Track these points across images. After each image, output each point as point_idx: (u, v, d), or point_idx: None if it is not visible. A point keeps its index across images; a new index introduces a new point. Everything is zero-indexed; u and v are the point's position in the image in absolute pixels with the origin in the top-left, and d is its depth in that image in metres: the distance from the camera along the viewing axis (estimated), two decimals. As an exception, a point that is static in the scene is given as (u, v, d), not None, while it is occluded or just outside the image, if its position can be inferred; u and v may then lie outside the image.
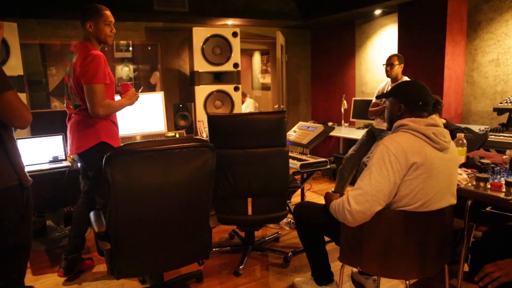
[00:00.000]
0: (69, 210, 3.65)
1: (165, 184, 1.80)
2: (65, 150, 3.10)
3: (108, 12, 2.42)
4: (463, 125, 3.40)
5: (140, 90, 2.67)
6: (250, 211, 2.55)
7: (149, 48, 5.35)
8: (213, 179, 1.94)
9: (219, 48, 4.42)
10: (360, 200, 1.67)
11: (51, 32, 4.39)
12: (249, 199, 2.54)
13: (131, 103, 2.54)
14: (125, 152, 1.72)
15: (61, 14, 4.15)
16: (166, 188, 1.81)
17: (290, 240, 3.17)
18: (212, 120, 2.46)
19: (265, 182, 2.50)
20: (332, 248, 2.42)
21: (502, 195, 1.90)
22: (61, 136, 3.09)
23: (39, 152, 3.01)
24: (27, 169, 2.78)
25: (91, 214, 2.04)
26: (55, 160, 3.06)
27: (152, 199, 1.80)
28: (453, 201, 1.82)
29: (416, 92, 1.82)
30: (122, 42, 5.13)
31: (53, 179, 2.88)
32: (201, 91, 4.42)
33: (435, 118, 1.79)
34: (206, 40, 4.34)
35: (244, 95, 6.27)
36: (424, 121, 1.74)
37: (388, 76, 3.67)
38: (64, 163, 2.99)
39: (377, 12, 4.62)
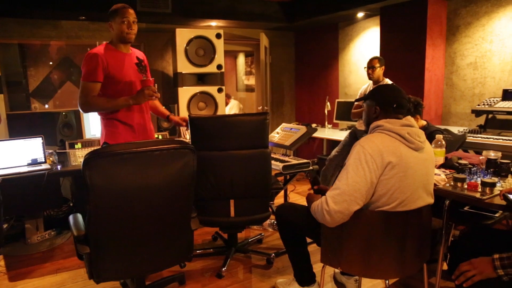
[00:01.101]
0: (49, 214, 3.59)
1: (145, 186, 1.78)
2: (44, 153, 3.04)
3: (124, 10, 2.42)
4: (442, 127, 3.47)
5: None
6: (232, 213, 2.55)
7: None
8: (194, 181, 1.93)
9: (202, 49, 4.41)
10: (338, 200, 1.69)
11: (31, 32, 4.30)
12: (232, 201, 2.53)
13: (136, 102, 2.44)
14: (104, 154, 1.69)
15: (41, 13, 4.07)
16: (146, 191, 1.79)
17: (273, 242, 3.17)
18: (194, 121, 2.45)
19: (247, 183, 2.50)
20: (314, 249, 2.44)
21: (478, 195, 1.94)
22: (40, 138, 3.03)
23: (18, 155, 2.95)
24: (4, 172, 2.75)
25: (70, 218, 2.01)
26: (34, 162, 3.00)
27: (131, 201, 1.78)
28: (431, 200, 1.85)
29: (390, 95, 1.88)
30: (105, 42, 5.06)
31: (32, 182, 2.82)
32: (185, 93, 4.39)
33: (409, 119, 1.83)
34: (190, 41, 4.32)
35: (228, 97, 6.26)
36: (399, 122, 1.78)
37: (370, 78, 3.72)
38: (44, 166, 2.94)
39: (360, 15, 4.68)
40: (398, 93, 1.89)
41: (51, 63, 5.31)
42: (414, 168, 1.72)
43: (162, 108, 2.89)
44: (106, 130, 2.53)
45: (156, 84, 2.50)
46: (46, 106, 5.28)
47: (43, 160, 3.04)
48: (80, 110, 2.46)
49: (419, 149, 1.76)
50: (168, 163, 1.80)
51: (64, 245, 3.23)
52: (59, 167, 2.96)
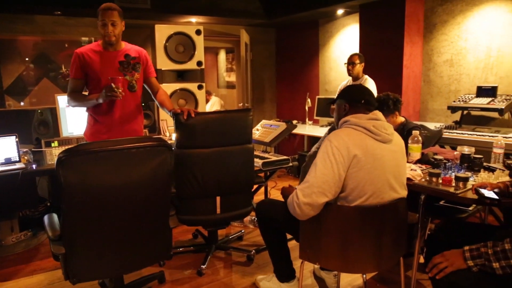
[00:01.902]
0: (25, 214, 3.50)
1: (121, 185, 1.76)
2: (18, 151, 2.96)
3: (102, 12, 2.43)
4: (419, 123, 3.53)
5: (119, 90, 2.45)
6: (218, 210, 2.55)
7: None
8: (172, 179, 1.92)
9: (182, 46, 4.36)
10: (307, 192, 1.74)
11: (4, 27, 4.17)
12: (218, 198, 2.54)
13: (102, 99, 2.46)
14: (78, 152, 1.66)
15: (14, 7, 3.96)
16: (122, 189, 1.77)
17: (254, 238, 3.18)
18: (179, 119, 2.38)
19: (233, 179, 2.52)
20: (294, 245, 2.45)
21: (452, 189, 1.99)
22: (14, 136, 2.94)
23: (-10, 154, 2.86)
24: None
25: (45, 218, 1.97)
26: (8, 162, 2.91)
27: (107, 200, 1.75)
28: (404, 192, 1.89)
29: (358, 93, 1.98)
30: (83, 38, 4.95)
31: (6, 182, 2.74)
32: (164, 90, 4.34)
33: (376, 113, 1.88)
34: (169, 37, 4.27)
35: (209, 94, 6.23)
36: (365, 116, 1.85)
37: (349, 74, 3.76)
38: (18, 165, 2.85)
39: (340, 12, 4.72)
40: (366, 91, 1.99)
41: (27, 59, 5.16)
42: (382, 159, 1.77)
43: (168, 103, 2.79)
44: (86, 125, 2.69)
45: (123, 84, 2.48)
46: (22, 103, 5.13)
47: (18, 159, 2.94)
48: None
49: (386, 141, 1.81)
50: (144, 161, 1.78)
51: (40, 246, 3.17)
52: (34, 166, 2.88)
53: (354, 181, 1.74)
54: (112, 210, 1.78)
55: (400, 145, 1.91)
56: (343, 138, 1.75)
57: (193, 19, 4.87)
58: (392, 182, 1.80)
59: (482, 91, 3.51)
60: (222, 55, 8.13)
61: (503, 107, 3.24)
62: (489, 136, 3.12)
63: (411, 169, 2.23)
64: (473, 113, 3.71)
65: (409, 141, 2.57)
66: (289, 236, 2.25)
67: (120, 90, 2.41)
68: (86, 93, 2.68)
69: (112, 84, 2.39)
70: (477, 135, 3.22)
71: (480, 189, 1.83)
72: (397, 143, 1.88)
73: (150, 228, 1.94)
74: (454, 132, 3.39)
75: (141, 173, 1.78)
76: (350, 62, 3.68)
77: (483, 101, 3.42)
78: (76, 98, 2.59)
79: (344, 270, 1.89)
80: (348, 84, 3.86)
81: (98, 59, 2.51)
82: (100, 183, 1.71)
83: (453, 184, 2.04)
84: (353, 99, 1.94)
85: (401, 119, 2.91)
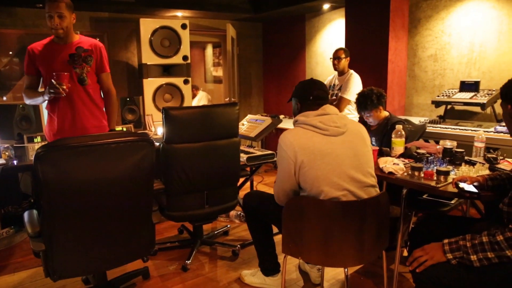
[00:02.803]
0: (7, 210, 3.44)
1: (101, 180, 1.73)
2: (-1, 147, 2.90)
3: (48, 3, 2.35)
4: (404, 117, 3.56)
5: (63, 87, 2.36)
6: (206, 204, 2.57)
7: (97, 39, 5.13)
8: (153, 174, 1.90)
9: (167, 40, 4.32)
10: (276, 191, 2.01)
11: (-17, 20, 4.08)
12: (205, 192, 2.55)
13: (47, 97, 2.43)
14: (57, 148, 1.63)
15: (-6, 0, 3.88)
16: (102, 185, 1.74)
17: (239, 233, 3.18)
18: (169, 113, 2.35)
19: (220, 173, 2.55)
20: (279, 240, 2.46)
21: (433, 183, 2.01)
22: (-5, 131, 2.89)
23: (-30, 150, 2.80)
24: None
25: (25, 214, 1.94)
26: (-12, 157, 2.86)
27: (87, 196, 1.73)
28: (371, 180, 1.90)
29: (306, 89, 2.01)
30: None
31: (-14, 178, 2.69)
32: (150, 84, 4.31)
33: (326, 108, 1.92)
34: (154, 31, 4.23)
35: (196, 88, 6.18)
36: (313, 113, 1.89)
37: (335, 69, 3.76)
38: (-2, 161, 2.81)
39: (326, 6, 4.72)
40: (314, 85, 2.01)
41: (10, 52, 5.04)
42: (334, 153, 1.81)
43: (110, 120, 2.75)
44: (47, 123, 2.68)
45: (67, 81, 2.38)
46: (4, 98, 5.02)
47: (-2, 155, 2.90)
48: None
49: (337, 134, 1.85)
50: (125, 156, 1.75)
51: (23, 243, 3.12)
52: (15, 162, 2.84)
53: (308, 180, 1.81)
54: (92, 205, 1.75)
55: (357, 134, 1.93)
56: (289, 139, 1.83)
57: (179, 13, 4.82)
58: (351, 173, 1.82)
59: (465, 86, 3.56)
60: (209, 50, 8.07)
61: (485, 102, 3.29)
62: (471, 130, 3.16)
63: (394, 163, 2.25)
64: (457, 107, 3.76)
65: (392, 136, 2.59)
66: (275, 230, 2.25)
67: (64, 87, 2.33)
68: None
69: (53, 81, 2.32)
70: (459, 129, 3.27)
71: (460, 183, 1.86)
72: (353, 133, 1.91)
73: (132, 223, 1.92)
74: (438, 127, 3.42)
75: (121, 168, 1.76)
76: (336, 57, 3.68)
77: (466, 96, 3.47)
78: (28, 95, 2.55)
79: (325, 264, 1.90)
80: (334, 79, 3.86)
81: (48, 53, 2.47)
82: (79, 179, 1.68)
83: (435, 178, 2.06)
84: (302, 97, 2.00)
85: (385, 113, 2.93)
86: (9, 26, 4.18)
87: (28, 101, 2.59)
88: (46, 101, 2.57)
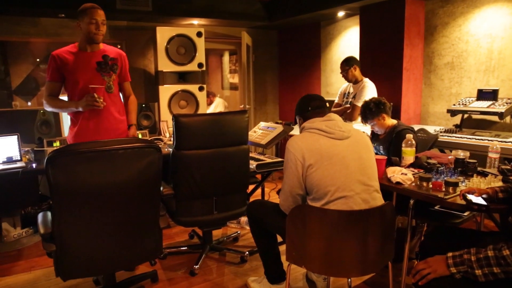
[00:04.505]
0: (27, 212, 3.57)
1: (109, 184, 1.79)
2: (20, 150, 3.02)
3: (93, 10, 2.44)
4: (419, 126, 3.51)
5: (101, 100, 2.51)
6: (215, 210, 2.60)
7: (119, 46, 5.28)
8: (160, 180, 1.94)
9: (183, 47, 4.41)
10: (283, 198, 2.02)
11: (8, 29, 4.26)
12: (214, 199, 2.58)
13: (82, 108, 2.49)
14: (67, 152, 1.70)
15: (19, 10, 4.04)
16: (110, 189, 1.80)
17: (249, 240, 3.19)
18: (179, 121, 2.40)
19: (229, 179, 2.59)
20: (285, 248, 2.46)
21: (441, 194, 1.97)
22: (16, 136, 3.01)
23: (-7, 153, 2.92)
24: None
25: (39, 216, 2.01)
26: (9, 160, 2.97)
27: (96, 199, 1.79)
28: (374, 183, 1.92)
29: (302, 103, 2.14)
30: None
31: (7, 180, 2.80)
32: (165, 91, 4.39)
33: (330, 115, 2.01)
34: (170, 39, 4.32)
35: (213, 95, 6.27)
36: (319, 119, 1.99)
37: (347, 81, 3.76)
38: (19, 164, 2.91)
39: (340, 14, 4.71)
40: (310, 98, 2.14)
41: (38, 59, 5.25)
42: (342, 154, 1.86)
43: (131, 115, 2.85)
44: (69, 129, 2.67)
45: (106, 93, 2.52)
46: (29, 103, 5.23)
47: (19, 158, 3.01)
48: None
49: (342, 138, 1.91)
50: (131, 162, 1.81)
51: (40, 243, 3.21)
52: (34, 165, 2.94)
53: (315, 180, 1.84)
54: (99, 209, 1.81)
55: (361, 140, 1.99)
56: (297, 143, 1.90)
57: (195, 21, 4.90)
58: (357, 175, 1.85)
59: (482, 94, 3.48)
60: (226, 57, 8.17)
61: (503, 111, 3.20)
62: (488, 140, 3.08)
63: (402, 173, 2.23)
64: (475, 116, 3.67)
65: (403, 145, 2.55)
66: (280, 239, 2.26)
67: (102, 100, 2.46)
68: (64, 97, 2.67)
69: (95, 94, 2.43)
70: (476, 139, 3.19)
71: (468, 195, 1.82)
72: (357, 139, 1.96)
73: (139, 227, 1.97)
74: (453, 136, 3.36)
75: (128, 174, 1.81)
76: (341, 71, 3.69)
77: (483, 105, 3.39)
78: (54, 102, 2.58)
79: (328, 274, 1.90)
80: (348, 87, 3.85)
81: (74, 60, 2.51)
82: (88, 182, 1.75)
83: (443, 189, 2.02)
84: (301, 110, 2.13)
85: (392, 121, 2.88)
86: (33, 35, 4.35)
87: (51, 109, 2.63)
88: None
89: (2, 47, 4.92)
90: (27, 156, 3.07)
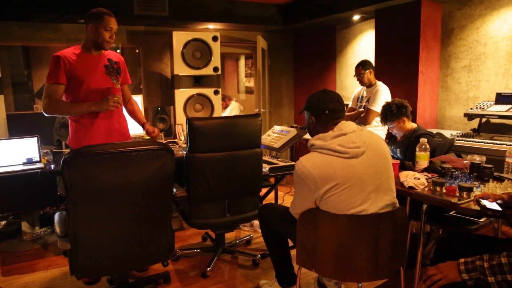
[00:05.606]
0: (46, 212, 3.67)
1: (123, 186, 1.84)
2: (39, 152, 3.11)
3: (112, 19, 2.44)
4: (436, 130, 3.45)
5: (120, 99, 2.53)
6: (227, 213, 2.62)
7: (137, 51, 5.38)
8: (173, 181, 1.98)
9: (199, 52, 4.47)
10: (293, 212, 1.93)
11: (31, 35, 4.41)
12: (227, 201, 2.61)
13: (100, 109, 2.46)
14: (82, 154, 1.75)
15: (42, 17, 4.18)
16: (124, 190, 1.84)
17: (261, 243, 3.19)
18: (192, 124, 2.43)
19: (242, 182, 2.60)
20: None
21: (455, 199, 1.94)
22: (36, 138, 3.11)
23: (14, 154, 3.02)
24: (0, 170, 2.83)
25: (55, 215, 2.07)
26: (29, 161, 3.07)
27: (110, 200, 1.83)
28: (390, 196, 1.84)
29: (321, 102, 1.86)
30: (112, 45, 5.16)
31: (26, 180, 2.89)
32: (181, 95, 4.46)
33: (341, 126, 1.80)
34: (186, 44, 4.38)
35: (229, 99, 6.31)
36: (331, 135, 1.77)
37: (362, 85, 3.74)
38: (38, 165, 3.00)
39: (356, 17, 4.69)
40: (327, 97, 1.88)
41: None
42: (357, 175, 1.72)
43: (140, 114, 2.87)
44: (71, 134, 2.57)
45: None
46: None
47: (38, 159, 3.11)
48: (44, 113, 2.45)
49: (358, 155, 1.74)
50: (144, 163, 1.84)
51: (57, 242, 3.30)
52: (52, 166, 3.03)
53: (330, 205, 1.74)
54: (113, 210, 1.85)
55: (377, 148, 1.81)
56: (308, 169, 1.72)
57: (211, 25, 4.96)
58: (373, 195, 1.76)
59: (501, 98, 3.40)
60: (242, 61, 8.22)
61: (523, 115, 3.13)
62: (506, 145, 3.01)
63: (415, 178, 2.20)
64: (493, 120, 3.60)
65: (417, 149, 2.53)
66: (291, 243, 2.26)
67: (119, 99, 2.48)
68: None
69: (116, 95, 2.44)
70: (493, 143, 3.12)
71: (482, 200, 1.78)
72: (373, 148, 1.79)
73: (151, 228, 2.01)
74: (470, 140, 3.30)
75: (141, 175, 1.85)
76: (356, 74, 3.66)
77: (501, 108, 3.32)
78: (62, 105, 2.46)
79: (338, 278, 1.88)
80: (362, 91, 3.82)
81: (84, 63, 2.46)
82: (102, 183, 1.79)
83: (457, 194, 1.99)
84: (317, 110, 1.86)
85: (412, 125, 2.86)
86: (54, 41, 4.49)
87: (56, 112, 2.56)
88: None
89: (25, 53, 5.08)
90: (46, 158, 3.16)
